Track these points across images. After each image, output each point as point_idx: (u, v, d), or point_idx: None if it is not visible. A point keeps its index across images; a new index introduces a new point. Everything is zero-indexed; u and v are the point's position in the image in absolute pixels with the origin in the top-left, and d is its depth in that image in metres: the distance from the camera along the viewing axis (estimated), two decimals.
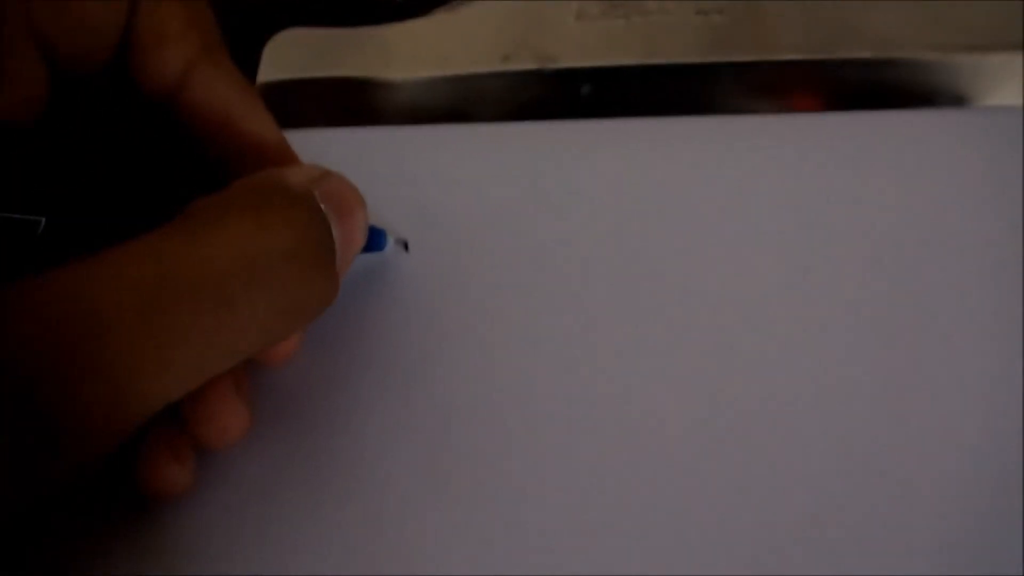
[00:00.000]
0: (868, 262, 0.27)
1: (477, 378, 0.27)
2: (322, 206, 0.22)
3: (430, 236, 0.29)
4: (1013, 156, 0.28)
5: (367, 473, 0.26)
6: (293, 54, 0.32)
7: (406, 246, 0.28)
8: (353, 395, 0.27)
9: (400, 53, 0.32)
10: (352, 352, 0.28)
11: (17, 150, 0.23)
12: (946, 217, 0.27)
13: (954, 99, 0.29)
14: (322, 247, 0.22)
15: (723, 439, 0.25)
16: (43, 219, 0.21)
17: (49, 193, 0.23)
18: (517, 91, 0.31)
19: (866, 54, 0.29)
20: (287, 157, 0.25)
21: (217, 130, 0.24)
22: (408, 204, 0.30)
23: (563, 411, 0.26)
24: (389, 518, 0.25)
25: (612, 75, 0.30)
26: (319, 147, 0.31)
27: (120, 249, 0.19)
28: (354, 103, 0.32)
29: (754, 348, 0.26)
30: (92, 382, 0.18)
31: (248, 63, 0.32)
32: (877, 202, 0.28)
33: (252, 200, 0.21)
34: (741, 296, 0.27)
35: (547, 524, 0.24)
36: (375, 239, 0.27)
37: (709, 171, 0.29)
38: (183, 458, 0.24)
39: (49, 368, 0.17)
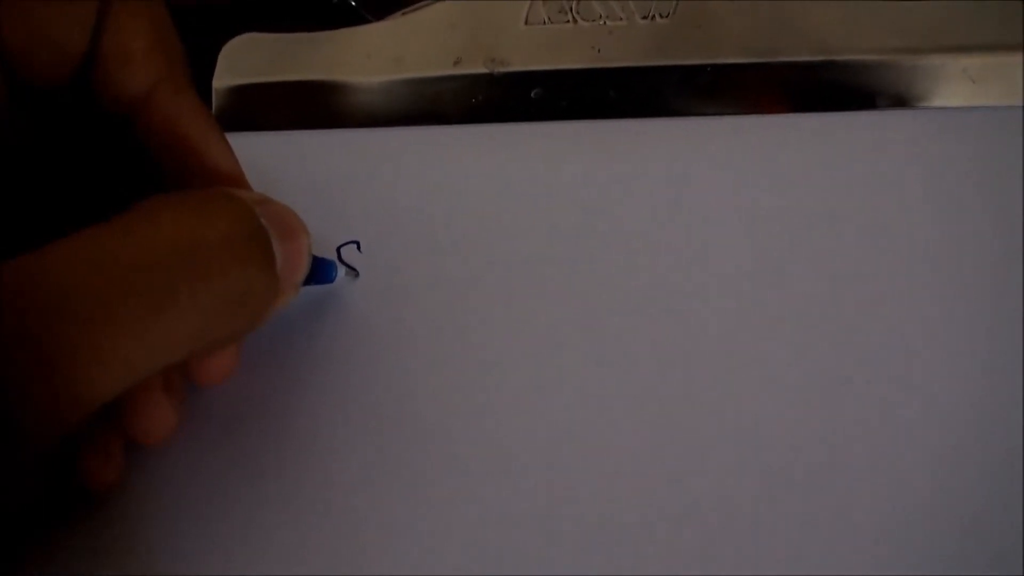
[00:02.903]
0: (814, 259, 0.27)
1: (432, 379, 0.27)
2: (263, 221, 0.23)
3: (384, 236, 0.29)
4: (956, 155, 0.28)
5: (318, 475, 0.26)
6: (248, 59, 0.33)
7: (356, 276, 0.29)
8: (311, 400, 0.27)
9: (354, 57, 0.32)
10: (308, 355, 0.28)
11: None
12: (894, 216, 0.28)
13: (894, 100, 0.30)
14: (257, 239, 0.22)
15: (696, 451, 0.25)
16: None
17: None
18: (468, 94, 0.31)
19: (808, 57, 0.30)
20: (240, 186, 0.25)
21: (173, 154, 0.24)
22: (363, 205, 0.30)
23: (520, 417, 0.26)
24: (337, 522, 0.25)
25: (561, 78, 0.31)
26: (275, 150, 0.31)
27: (63, 242, 0.19)
28: (308, 107, 0.32)
29: (704, 347, 0.27)
30: (37, 378, 0.18)
31: (203, 69, 0.32)
32: (822, 200, 0.28)
33: (192, 196, 0.22)
34: (694, 294, 0.27)
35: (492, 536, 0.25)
36: (325, 271, 0.27)
37: (656, 172, 0.29)
38: (111, 453, 0.24)
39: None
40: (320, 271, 0.26)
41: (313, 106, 0.32)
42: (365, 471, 0.26)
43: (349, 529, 0.25)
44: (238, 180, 0.25)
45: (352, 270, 0.28)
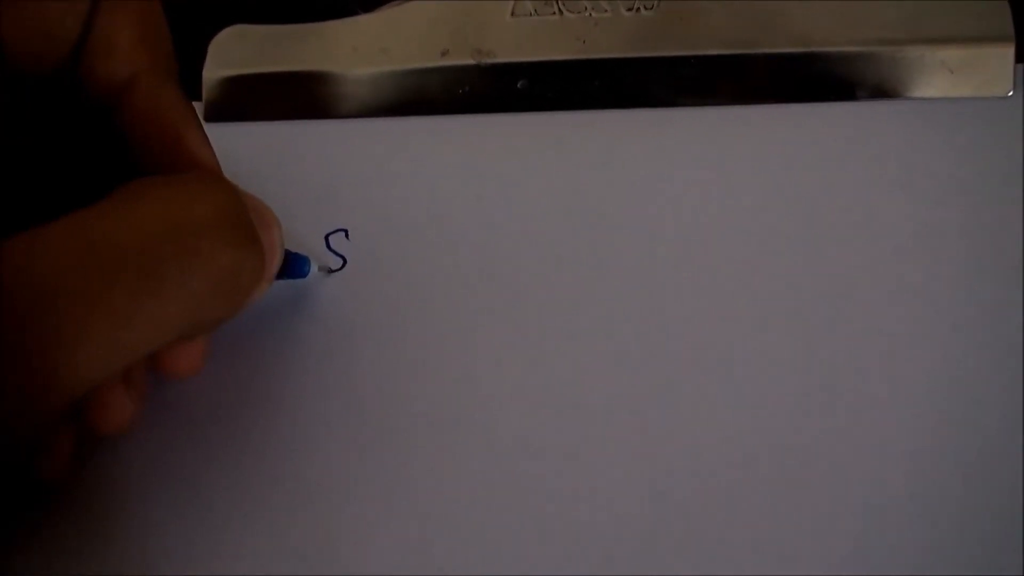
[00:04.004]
0: (795, 248, 0.28)
1: (417, 370, 0.27)
2: None
3: (372, 226, 0.30)
4: (935, 145, 0.29)
5: (298, 471, 0.26)
6: (237, 50, 0.33)
7: (329, 271, 0.29)
8: (294, 394, 0.28)
9: (342, 49, 0.32)
10: (292, 348, 0.28)
11: None
12: (873, 205, 0.28)
13: (874, 91, 0.30)
14: (245, 218, 0.22)
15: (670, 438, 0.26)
16: None
17: None
18: (455, 85, 0.32)
19: (790, 49, 0.30)
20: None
21: (151, 144, 0.24)
22: (350, 194, 0.30)
23: (507, 413, 0.27)
24: (316, 520, 0.26)
25: (547, 69, 0.31)
26: (263, 140, 0.32)
27: (50, 226, 0.19)
28: (296, 98, 0.32)
29: (688, 337, 0.27)
30: (19, 367, 0.18)
31: (194, 60, 0.33)
32: (802, 189, 0.29)
33: (178, 178, 0.22)
34: (678, 284, 0.28)
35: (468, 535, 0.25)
36: (297, 266, 0.27)
37: (641, 162, 0.30)
38: (62, 443, 0.24)
39: None
40: (292, 266, 0.27)
41: (301, 97, 0.32)
42: (346, 468, 0.26)
43: (328, 528, 0.25)
44: (213, 173, 0.25)
45: (340, 257, 0.29)
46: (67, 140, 0.25)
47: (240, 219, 0.22)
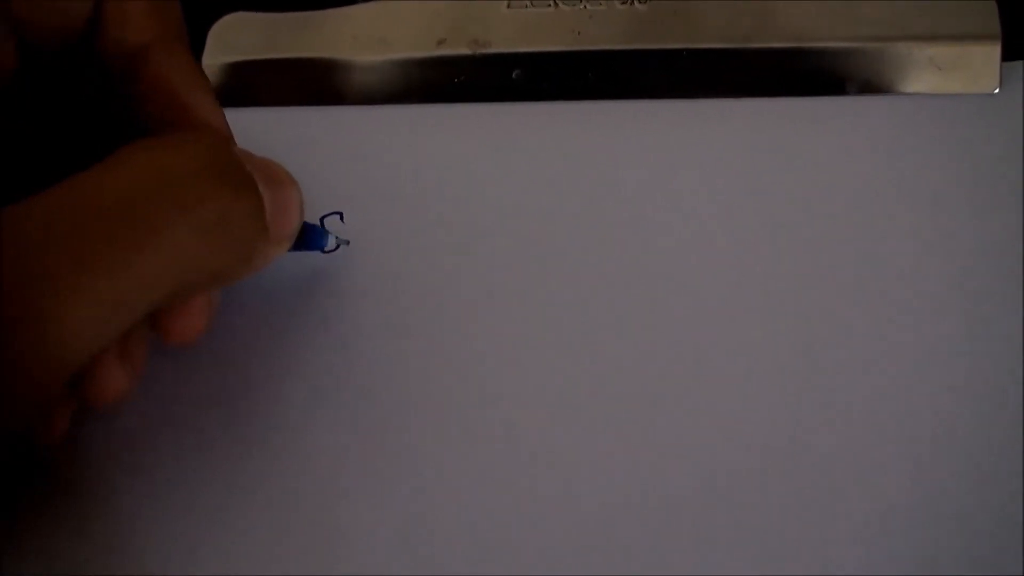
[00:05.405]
0: (785, 240, 0.28)
1: (414, 353, 0.28)
2: (248, 167, 0.23)
3: (366, 213, 0.30)
4: (922, 140, 0.29)
5: (295, 458, 0.27)
6: (237, 37, 0.33)
7: (347, 243, 0.29)
8: (292, 378, 0.28)
9: (340, 37, 0.33)
10: (291, 332, 0.29)
11: None
12: (859, 197, 0.29)
13: (863, 86, 0.30)
14: (234, 168, 0.22)
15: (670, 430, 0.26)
16: None
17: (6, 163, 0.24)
18: (451, 74, 0.32)
19: (781, 44, 0.31)
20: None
21: (163, 111, 0.24)
22: (347, 179, 0.31)
23: (501, 397, 0.27)
24: (312, 508, 0.26)
25: (542, 60, 0.32)
26: (262, 126, 0.32)
27: (43, 193, 0.19)
28: (294, 85, 0.33)
29: (685, 332, 0.27)
30: (18, 333, 0.18)
31: (194, 46, 0.33)
32: (791, 181, 0.29)
33: (168, 137, 0.23)
34: (669, 276, 0.28)
35: (466, 515, 0.25)
36: (315, 236, 0.27)
37: (633, 153, 0.30)
38: (59, 413, 0.24)
39: None
40: (310, 236, 0.27)
41: (298, 84, 0.33)
42: (343, 462, 0.26)
43: (324, 522, 0.26)
44: (221, 134, 0.25)
45: (343, 240, 0.29)
46: (80, 116, 0.26)
47: (227, 166, 0.22)
